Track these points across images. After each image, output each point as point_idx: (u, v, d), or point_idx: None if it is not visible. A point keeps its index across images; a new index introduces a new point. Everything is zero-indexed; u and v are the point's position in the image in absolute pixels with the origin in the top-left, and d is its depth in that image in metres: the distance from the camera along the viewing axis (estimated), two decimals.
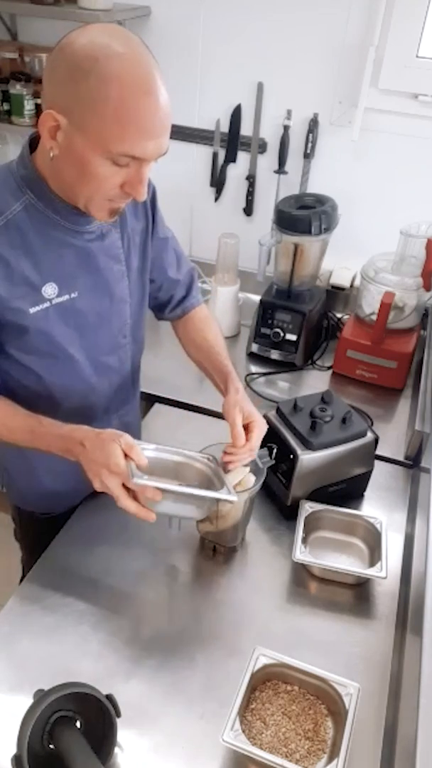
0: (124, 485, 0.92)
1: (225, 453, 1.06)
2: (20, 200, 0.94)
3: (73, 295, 1.02)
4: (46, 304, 0.99)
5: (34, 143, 0.95)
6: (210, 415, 1.51)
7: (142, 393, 1.43)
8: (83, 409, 1.13)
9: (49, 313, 1.00)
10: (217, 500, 0.97)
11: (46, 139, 0.87)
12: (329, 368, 1.71)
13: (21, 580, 1.19)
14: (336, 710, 0.91)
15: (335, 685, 0.91)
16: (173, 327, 1.31)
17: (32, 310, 0.98)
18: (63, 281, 1.00)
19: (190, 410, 1.52)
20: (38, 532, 1.24)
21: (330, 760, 0.85)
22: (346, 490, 1.27)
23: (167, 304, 1.27)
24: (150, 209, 1.15)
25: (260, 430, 1.08)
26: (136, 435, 1.30)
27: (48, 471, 1.18)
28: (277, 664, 0.94)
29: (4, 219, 0.93)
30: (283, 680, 0.95)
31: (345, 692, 0.90)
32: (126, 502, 0.92)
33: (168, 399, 1.53)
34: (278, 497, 1.26)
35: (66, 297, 1.01)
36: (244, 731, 0.87)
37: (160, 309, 1.28)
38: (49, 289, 0.99)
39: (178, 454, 1.05)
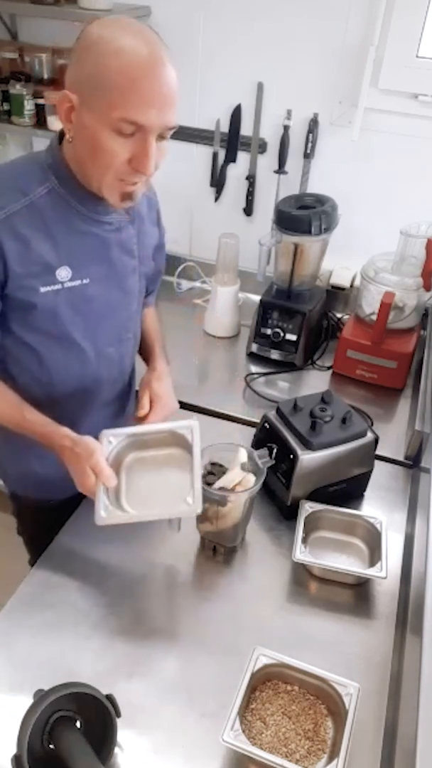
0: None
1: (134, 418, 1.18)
2: (44, 185, 0.98)
3: (84, 281, 1.04)
4: (58, 286, 1.01)
5: (62, 135, 0.99)
6: (210, 415, 1.51)
7: None
8: (80, 397, 1.16)
9: (60, 295, 1.02)
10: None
11: (63, 122, 0.92)
12: (329, 368, 1.71)
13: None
14: (336, 710, 0.91)
15: (335, 685, 0.91)
16: None
17: (43, 289, 1.00)
18: (77, 266, 1.03)
19: (190, 410, 1.52)
20: (38, 524, 1.25)
21: (330, 760, 0.85)
22: (346, 490, 1.27)
23: None
24: (160, 217, 1.22)
25: (162, 410, 1.16)
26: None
27: (37, 456, 1.18)
28: (277, 664, 0.94)
29: (28, 200, 0.96)
30: (283, 680, 0.95)
31: (345, 692, 0.90)
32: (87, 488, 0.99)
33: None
34: (278, 497, 1.26)
35: (78, 282, 1.04)
36: (244, 731, 0.87)
37: None
38: (63, 272, 1.01)
39: (156, 430, 1.09)
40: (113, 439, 1.06)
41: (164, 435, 1.08)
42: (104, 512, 0.96)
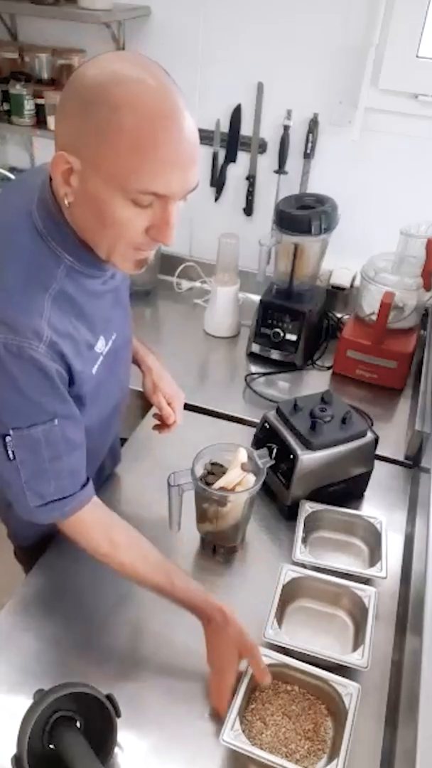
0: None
1: (157, 426, 1.24)
2: (60, 266, 0.85)
3: (113, 338, 1.00)
4: (101, 359, 0.96)
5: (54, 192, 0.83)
6: (210, 415, 1.51)
7: (142, 393, 1.43)
8: (102, 432, 1.11)
9: (101, 365, 0.96)
10: None
11: (59, 185, 0.78)
12: (329, 368, 1.71)
13: None
14: (336, 710, 0.91)
15: (335, 685, 0.91)
16: None
17: (94, 371, 0.94)
18: (105, 330, 0.96)
19: (189, 410, 1.52)
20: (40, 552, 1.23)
21: (330, 760, 0.85)
22: (346, 490, 1.27)
23: None
24: None
25: (181, 405, 1.23)
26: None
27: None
28: (277, 664, 0.94)
29: (53, 291, 0.84)
30: (283, 680, 0.95)
31: (345, 692, 0.90)
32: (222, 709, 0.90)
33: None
34: (278, 497, 1.26)
35: (111, 344, 0.98)
36: (244, 731, 0.87)
37: None
38: (100, 344, 0.95)
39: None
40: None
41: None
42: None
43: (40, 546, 1.17)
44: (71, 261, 0.85)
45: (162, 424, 1.23)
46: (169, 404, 1.21)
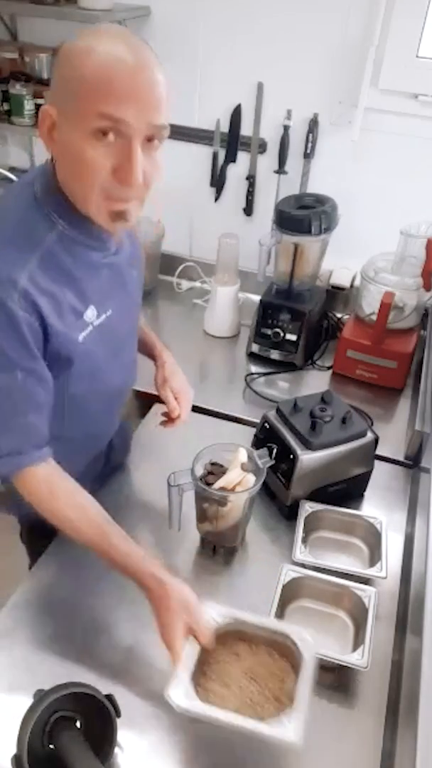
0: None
1: (163, 421, 1.24)
2: (53, 230, 0.89)
3: (108, 313, 1.01)
4: (90, 328, 0.97)
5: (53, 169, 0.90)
6: (210, 415, 1.51)
7: (143, 393, 1.43)
8: (102, 413, 1.14)
9: (92, 336, 0.97)
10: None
11: (45, 142, 0.84)
12: (329, 368, 1.71)
13: None
14: (298, 664, 0.89)
15: (294, 638, 0.90)
16: None
17: (81, 338, 0.95)
18: (99, 302, 0.98)
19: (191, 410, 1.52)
20: (46, 534, 1.23)
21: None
22: (346, 490, 1.27)
23: None
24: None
25: (188, 402, 1.23)
26: (128, 431, 1.37)
27: None
28: (233, 623, 0.93)
29: (42, 251, 0.88)
30: (241, 639, 0.94)
31: (299, 638, 0.89)
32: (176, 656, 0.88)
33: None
34: (278, 497, 1.26)
35: (103, 317, 1.00)
36: (205, 699, 0.85)
37: None
38: (90, 313, 0.97)
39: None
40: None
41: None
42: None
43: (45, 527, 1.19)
44: (63, 226, 0.90)
45: (168, 419, 1.24)
46: (176, 399, 1.22)
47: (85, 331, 0.96)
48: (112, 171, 0.82)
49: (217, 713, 0.82)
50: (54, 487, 0.96)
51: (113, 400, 1.16)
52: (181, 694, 0.83)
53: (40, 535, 1.17)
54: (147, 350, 1.28)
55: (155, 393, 1.24)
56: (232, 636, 0.93)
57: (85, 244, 0.93)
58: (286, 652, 0.92)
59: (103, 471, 1.28)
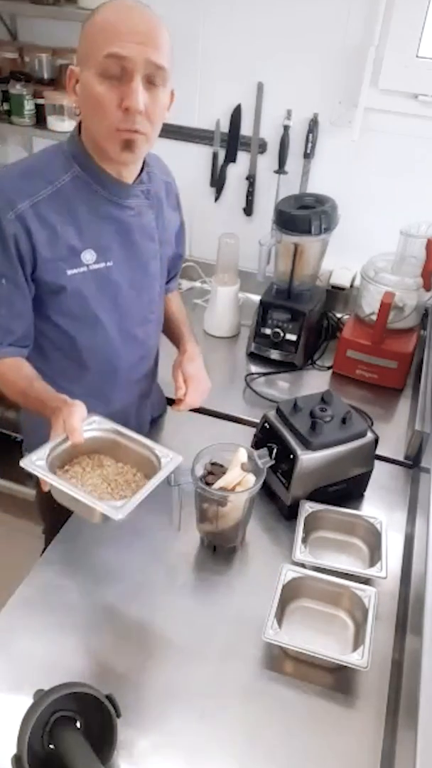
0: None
1: (173, 404, 1.24)
2: (68, 172, 1.03)
3: (108, 264, 1.09)
4: (83, 269, 1.06)
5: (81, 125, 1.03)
6: (210, 415, 1.51)
7: None
8: (108, 376, 1.21)
9: (86, 277, 1.07)
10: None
11: (70, 96, 0.99)
12: (329, 368, 1.71)
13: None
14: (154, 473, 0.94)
15: (157, 452, 0.96)
16: None
17: (70, 272, 1.05)
18: (101, 250, 1.07)
19: (191, 410, 1.52)
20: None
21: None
22: (346, 490, 1.27)
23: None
24: (179, 203, 1.27)
25: (198, 390, 1.24)
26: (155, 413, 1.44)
27: None
28: (110, 435, 0.99)
29: (54, 188, 1.01)
30: (113, 456, 1.00)
31: (164, 454, 0.95)
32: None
33: (169, 399, 1.54)
34: (278, 497, 1.26)
35: (102, 264, 1.08)
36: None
37: None
38: (88, 255, 1.06)
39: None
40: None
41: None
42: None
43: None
44: (79, 171, 1.03)
45: (176, 401, 1.24)
46: (186, 384, 1.22)
47: (77, 269, 1.06)
48: (118, 104, 0.94)
49: (54, 480, 0.87)
50: (5, 368, 1.08)
51: (125, 374, 1.22)
52: (33, 459, 0.89)
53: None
54: (175, 339, 1.35)
55: None
56: (106, 450, 0.98)
57: (96, 192, 1.04)
58: (151, 473, 0.95)
59: None
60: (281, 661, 1.00)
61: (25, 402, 1.07)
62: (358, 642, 0.99)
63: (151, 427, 1.42)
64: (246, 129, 1.85)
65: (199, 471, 1.12)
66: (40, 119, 1.92)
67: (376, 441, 1.26)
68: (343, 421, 1.23)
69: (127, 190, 1.07)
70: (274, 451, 1.20)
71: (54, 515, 1.33)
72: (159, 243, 1.17)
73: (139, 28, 0.92)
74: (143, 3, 0.96)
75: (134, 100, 0.93)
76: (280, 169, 1.85)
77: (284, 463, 1.21)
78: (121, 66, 0.92)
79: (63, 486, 0.88)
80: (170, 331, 1.35)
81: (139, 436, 1.00)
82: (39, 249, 1.01)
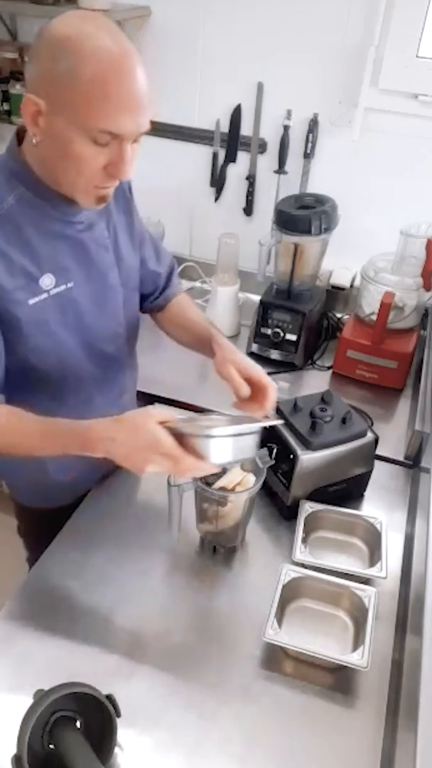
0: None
1: (238, 408, 1.07)
2: (12, 193, 0.95)
3: (69, 285, 1.03)
4: (44, 295, 1.00)
5: (20, 135, 0.96)
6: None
7: (143, 393, 1.43)
8: (82, 398, 1.14)
9: (47, 304, 1.00)
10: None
11: (29, 125, 0.89)
12: (329, 368, 1.71)
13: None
14: None
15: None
16: (155, 319, 1.32)
17: (31, 302, 0.98)
18: (59, 272, 1.01)
19: (190, 410, 1.52)
20: (43, 527, 1.24)
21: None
22: (346, 490, 1.27)
23: (150, 295, 1.28)
24: (130, 205, 1.16)
25: (261, 372, 1.05)
26: None
27: (58, 463, 1.14)
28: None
29: None
30: None
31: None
32: (185, 473, 0.90)
33: (168, 399, 1.54)
34: (278, 497, 1.26)
35: (63, 287, 1.02)
36: None
37: (142, 300, 1.27)
38: (47, 280, 1.00)
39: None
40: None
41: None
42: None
43: (43, 516, 1.20)
44: (25, 191, 0.95)
45: (244, 401, 1.06)
46: (254, 383, 1.05)
47: (38, 297, 0.99)
48: (103, 167, 0.90)
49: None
50: None
51: (94, 382, 1.15)
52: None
53: (37, 528, 1.18)
54: (200, 339, 1.19)
55: (156, 393, 1.23)
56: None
57: (44, 213, 0.97)
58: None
59: (106, 470, 1.28)
60: (281, 661, 1.00)
61: (41, 444, 0.96)
62: (358, 642, 0.99)
63: None
64: (246, 129, 1.85)
65: None
66: None
67: (376, 441, 1.26)
68: (343, 421, 1.23)
69: (77, 207, 0.98)
70: (274, 451, 1.20)
71: (28, 515, 1.35)
72: (114, 252, 1.11)
73: (133, 94, 0.85)
74: (131, 45, 0.86)
75: (126, 172, 0.90)
76: (280, 169, 1.85)
77: (284, 463, 1.21)
78: (112, 137, 0.87)
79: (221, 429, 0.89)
80: (195, 337, 1.22)
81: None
82: None
